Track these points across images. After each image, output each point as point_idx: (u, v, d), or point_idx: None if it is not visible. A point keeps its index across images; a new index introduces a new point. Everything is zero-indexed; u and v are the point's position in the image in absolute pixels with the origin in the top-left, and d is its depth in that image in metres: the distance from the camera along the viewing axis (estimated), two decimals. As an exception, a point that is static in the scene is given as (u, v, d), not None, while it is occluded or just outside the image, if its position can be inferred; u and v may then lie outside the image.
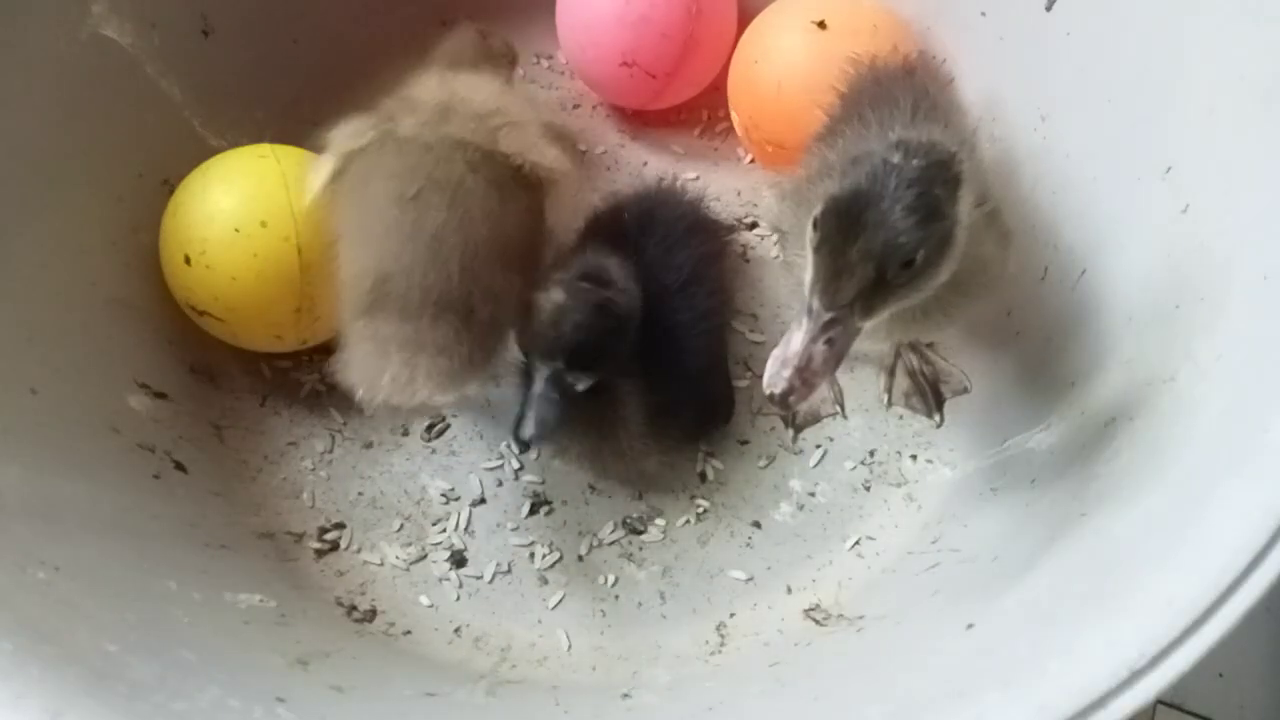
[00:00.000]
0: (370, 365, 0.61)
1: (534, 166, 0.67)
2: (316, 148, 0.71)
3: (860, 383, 0.78)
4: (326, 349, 0.79)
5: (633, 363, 0.69)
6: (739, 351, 0.80)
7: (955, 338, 0.78)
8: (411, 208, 0.63)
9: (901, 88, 0.66)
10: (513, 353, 0.67)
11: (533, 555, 0.73)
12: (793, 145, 0.78)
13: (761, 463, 0.76)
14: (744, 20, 0.85)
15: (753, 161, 0.87)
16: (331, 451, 0.77)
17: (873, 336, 0.58)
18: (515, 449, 0.75)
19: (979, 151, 0.66)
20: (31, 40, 0.67)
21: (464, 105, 0.67)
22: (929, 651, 0.54)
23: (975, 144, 0.66)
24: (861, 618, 0.66)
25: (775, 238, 0.84)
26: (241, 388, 0.78)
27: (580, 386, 0.65)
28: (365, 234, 0.64)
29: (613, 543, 0.73)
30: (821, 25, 0.76)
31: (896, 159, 0.51)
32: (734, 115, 0.83)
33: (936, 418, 0.76)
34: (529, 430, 0.63)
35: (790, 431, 0.77)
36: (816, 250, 0.51)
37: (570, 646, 0.70)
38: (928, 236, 0.50)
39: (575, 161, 0.69)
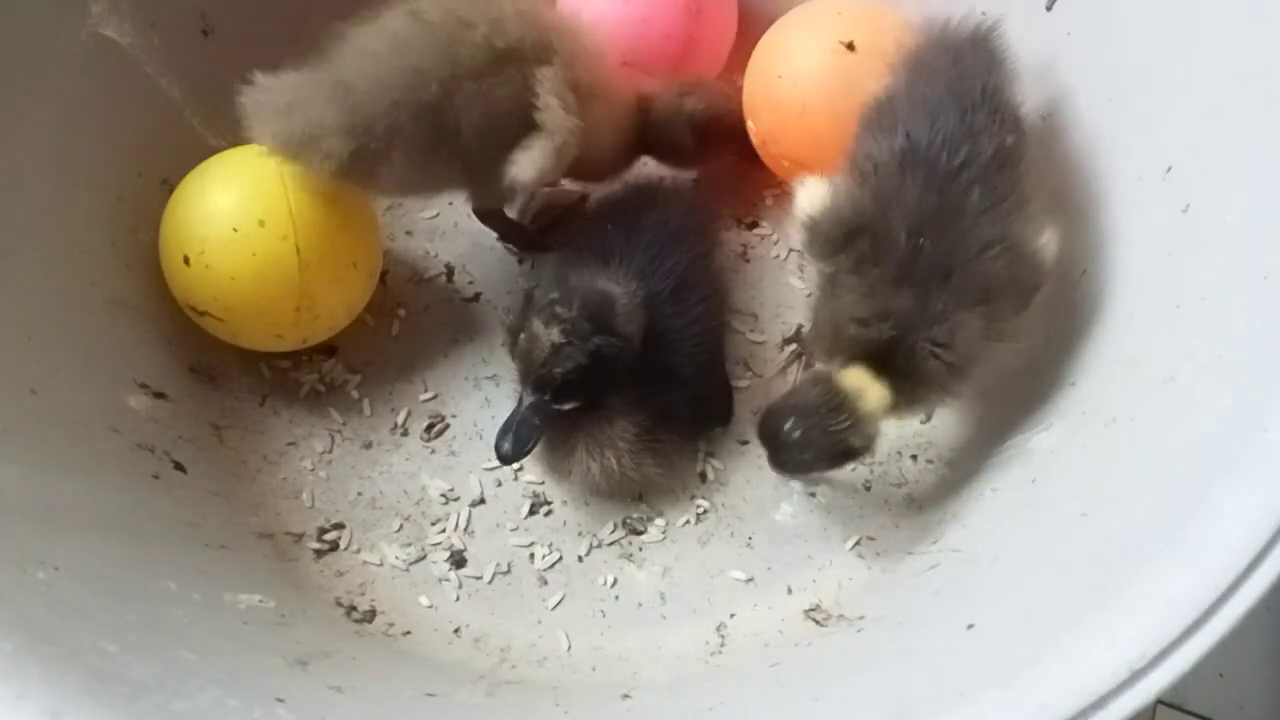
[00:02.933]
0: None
1: (540, 111, 0.67)
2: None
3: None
4: (327, 349, 0.79)
5: (625, 380, 0.69)
6: (739, 352, 0.80)
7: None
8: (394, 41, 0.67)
9: (957, 75, 0.65)
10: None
11: (532, 556, 0.73)
12: (812, 163, 0.77)
13: (761, 463, 0.75)
14: (744, 21, 0.85)
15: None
16: (331, 452, 0.77)
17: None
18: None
19: (1028, 139, 0.66)
20: (31, 40, 0.67)
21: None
22: (929, 651, 0.54)
23: (1026, 130, 0.66)
24: (862, 618, 0.66)
25: (776, 238, 0.84)
26: (241, 388, 0.78)
27: (565, 408, 0.67)
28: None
29: (613, 543, 0.73)
30: (850, 47, 0.75)
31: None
32: (750, 125, 0.83)
33: (923, 414, 0.76)
34: (506, 448, 0.67)
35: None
36: None
37: (570, 647, 0.70)
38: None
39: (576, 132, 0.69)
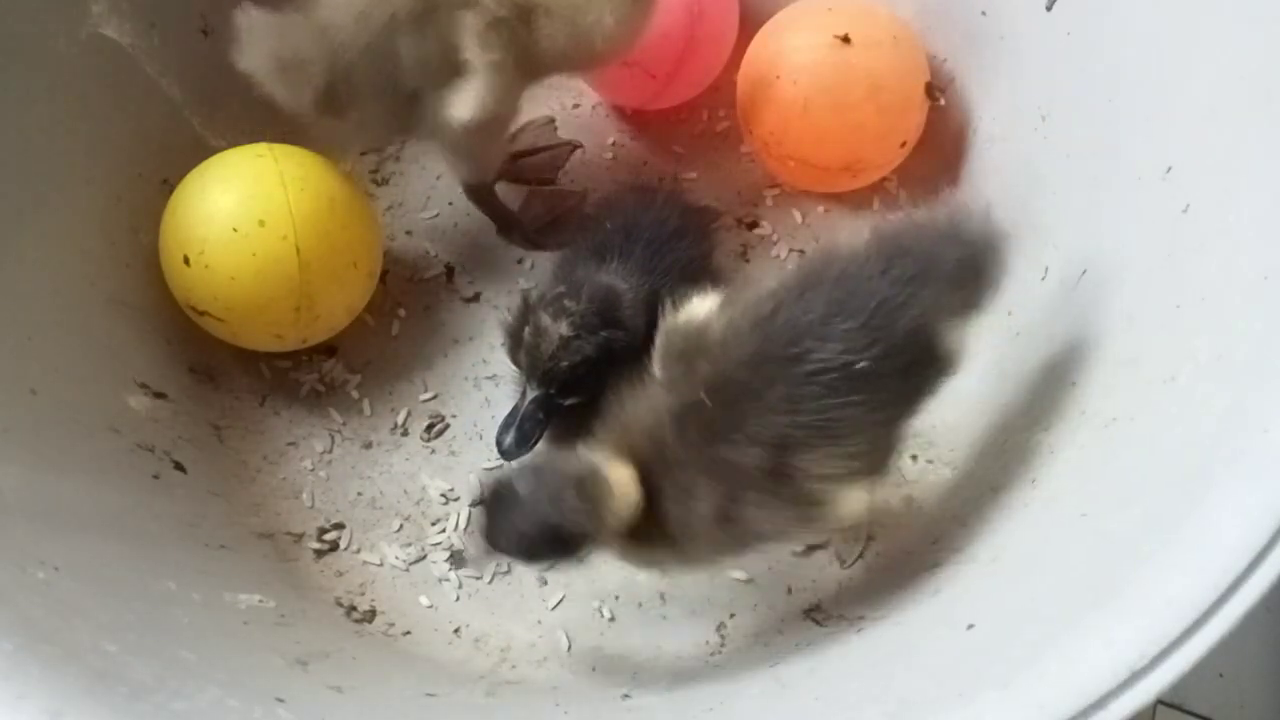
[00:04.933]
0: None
1: (466, 62, 0.70)
2: (315, 146, 0.71)
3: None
4: (327, 349, 0.79)
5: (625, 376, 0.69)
6: (739, 351, 0.80)
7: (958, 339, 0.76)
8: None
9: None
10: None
11: (533, 555, 0.73)
12: (819, 161, 0.77)
13: (761, 463, 0.76)
14: (745, 22, 0.85)
15: (753, 161, 0.87)
16: (331, 452, 0.77)
17: None
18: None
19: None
20: (31, 40, 0.67)
21: None
22: (929, 651, 0.54)
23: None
24: (862, 618, 0.66)
25: (776, 238, 0.84)
26: (241, 388, 0.78)
27: (567, 403, 0.68)
28: None
29: (613, 543, 0.73)
30: (845, 40, 0.76)
31: None
32: (748, 130, 0.82)
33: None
34: (509, 442, 0.67)
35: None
36: None
37: (570, 647, 0.70)
38: None
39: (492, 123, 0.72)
